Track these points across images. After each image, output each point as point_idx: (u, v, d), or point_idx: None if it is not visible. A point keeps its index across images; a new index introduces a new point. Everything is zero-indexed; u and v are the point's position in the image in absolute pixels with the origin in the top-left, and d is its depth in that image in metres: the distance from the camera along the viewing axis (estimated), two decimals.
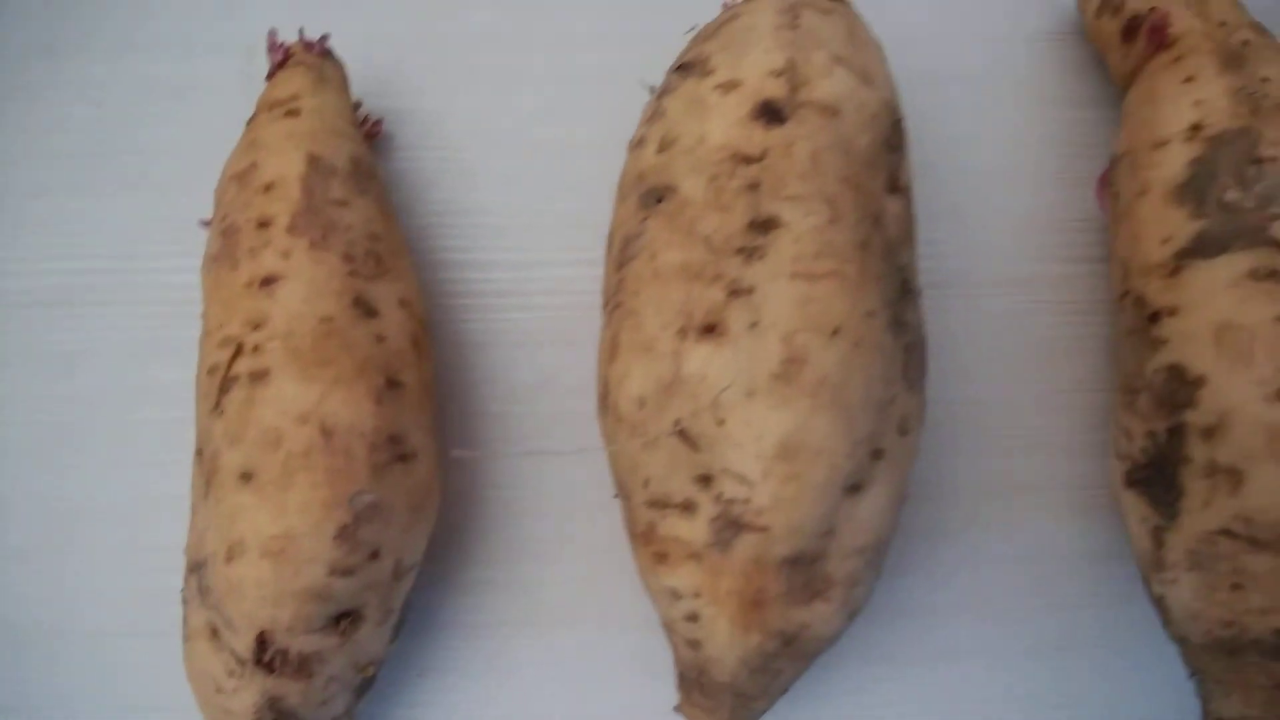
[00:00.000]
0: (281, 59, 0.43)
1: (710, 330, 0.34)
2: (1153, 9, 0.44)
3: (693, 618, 0.36)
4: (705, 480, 0.34)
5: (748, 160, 0.35)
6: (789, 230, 0.34)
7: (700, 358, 0.34)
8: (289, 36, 0.45)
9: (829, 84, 0.35)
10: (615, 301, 0.37)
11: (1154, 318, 0.39)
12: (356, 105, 0.46)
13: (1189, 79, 0.42)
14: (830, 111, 0.35)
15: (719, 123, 0.35)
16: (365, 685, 0.39)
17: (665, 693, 0.40)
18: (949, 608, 0.45)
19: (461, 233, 0.48)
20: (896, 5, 0.48)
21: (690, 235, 0.35)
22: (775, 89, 0.35)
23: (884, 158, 0.36)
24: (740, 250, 0.34)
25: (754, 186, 0.34)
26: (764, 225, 0.34)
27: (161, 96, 0.48)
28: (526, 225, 0.47)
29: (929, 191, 0.49)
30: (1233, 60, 0.41)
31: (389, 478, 0.36)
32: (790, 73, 0.35)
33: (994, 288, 0.48)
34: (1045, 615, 0.45)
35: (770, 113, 0.35)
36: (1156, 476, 0.39)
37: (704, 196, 0.35)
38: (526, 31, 0.50)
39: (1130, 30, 0.45)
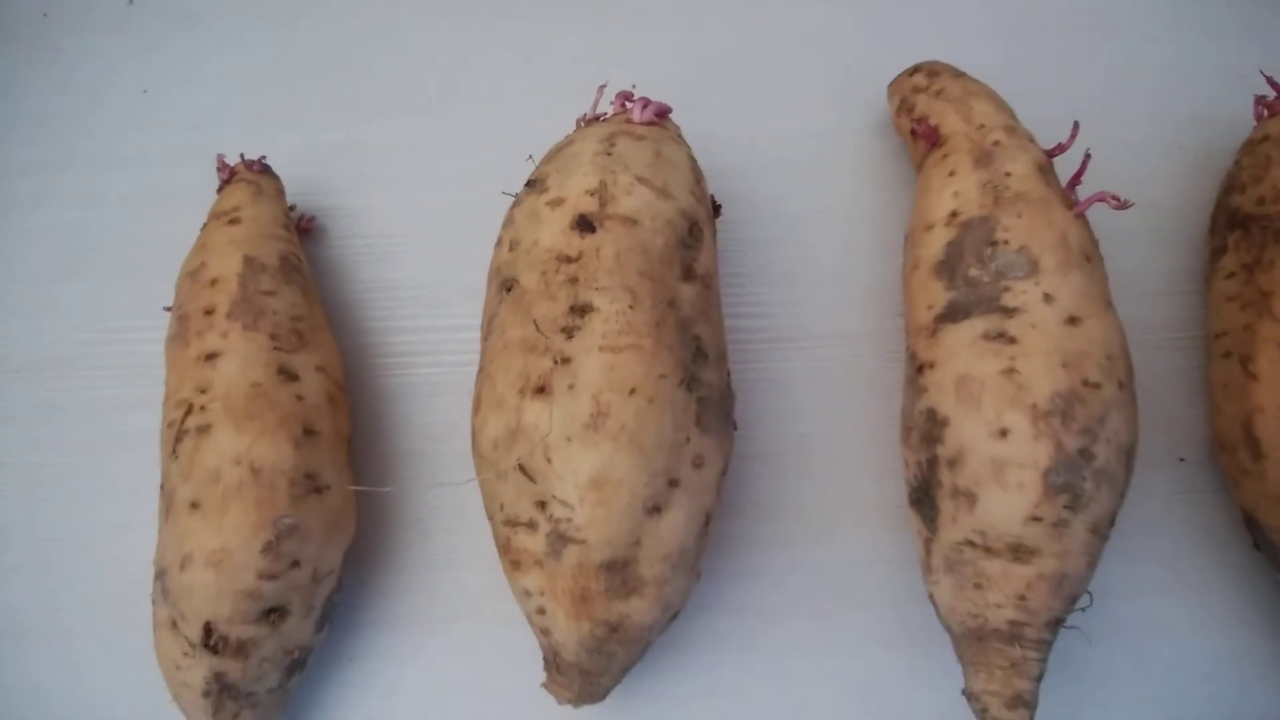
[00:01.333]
0: (228, 176, 0.55)
1: (541, 390, 0.44)
2: (926, 116, 0.55)
3: (541, 611, 0.46)
4: (541, 505, 0.44)
5: (568, 260, 0.45)
6: (599, 314, 0.44)
7: (534, 411, 0.44)
8: (247, 153, 0.56)
9: (630, 200, 0.45)
10: (480, 366, 0.48)
11: (920, 369, 0.49)
12: (291, 208, 0.57)
13: (951, 173, 0.52)
14: (631, 221, 0.45)
15: (548, 230, 0.46)
16: (294, 665, 0.49)
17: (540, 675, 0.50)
18: (782, 608, 0.54)
19: (382, 305, 0.59)
20: (751, 106, 0.58)
21: (528, 317, 0.45)
22: (589, 205, 0.46)
23: (679, 254, 0.46)
24: (563, 329, 0.44)
25: (573, 280, 0.45)
26: (581, 310, 0.44)
27: (137, 204, 0.60)
28: (434, 298, 0.58)
29: (773, 260, 0.59)
30: (984, 158, 0.51)
31: (305, 505, 0.47)
32: (601, 191, 0.46)
33: (824, 340, 0.58)
34: (861, 612, 0.54)
35: (584, 224, 0.45)
36: (924, 498, 0.48)
37: (537, 287, 0.46)
38: (434, 141, 0.61)
39: (915, 130, 0.56)
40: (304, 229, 0.58)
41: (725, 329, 0.53)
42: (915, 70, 0.56)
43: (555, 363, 0.44)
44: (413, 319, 0.58)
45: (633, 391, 0.43)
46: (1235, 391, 0.51)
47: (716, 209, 0.55)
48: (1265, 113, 0.55)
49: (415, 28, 0.62)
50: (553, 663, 0.47)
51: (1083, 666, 0.54)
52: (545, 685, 0.48)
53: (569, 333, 0.44)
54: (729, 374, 0.49)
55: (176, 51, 0.63)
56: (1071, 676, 0.53)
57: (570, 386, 0.43)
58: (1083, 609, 0.51)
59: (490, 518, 0.47)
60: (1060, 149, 0.51)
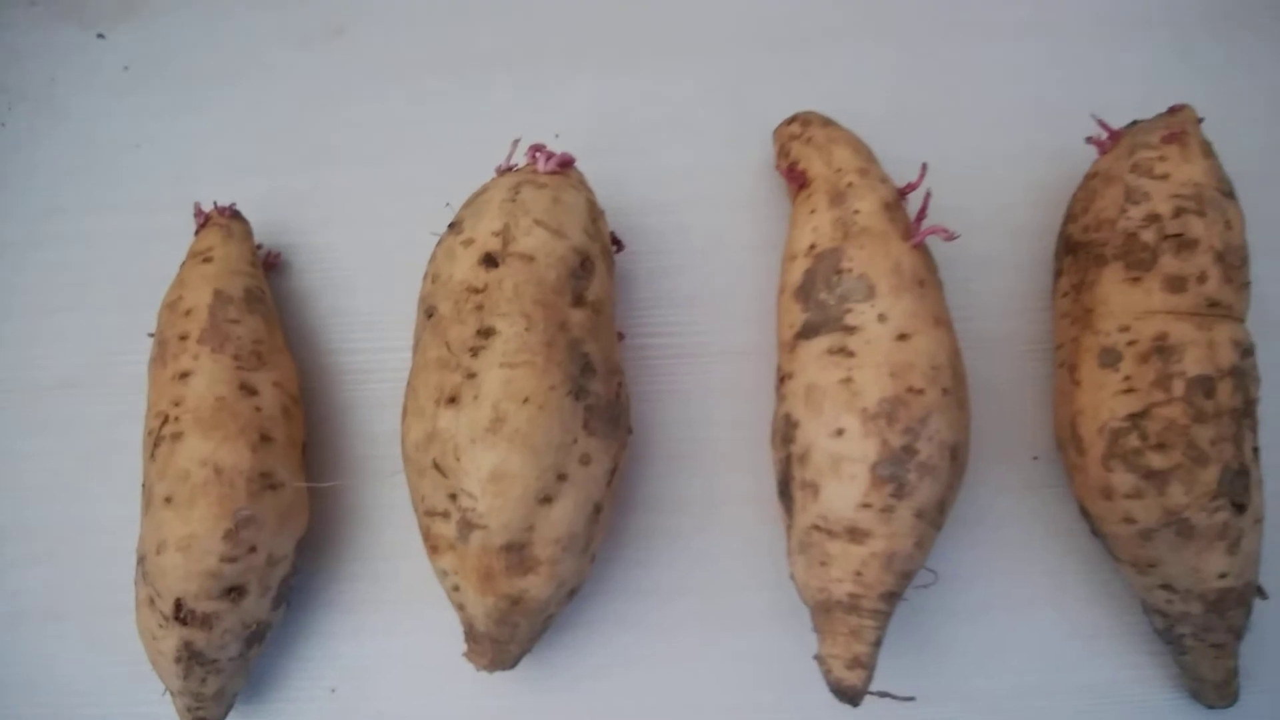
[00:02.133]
0: (203, 221, 0.64)
1: (452, 400, 0.53)
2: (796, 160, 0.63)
3: (456, 588, 0.55)
4: (453, 496, 0.53)
5: (476, 290, 0.54)
6: (500, 336, 0.53)
7: (446, 418, 0.53)
8: (223, 199, 0.66)
9: (529, 239, 0.54)
10: (408, 381, 0.57)
11: (782, 380, 0.57)
12: (258, 246, 0.66)
13: (812, 211, 0.60)
14: (528, 258, 0.54)
15: (461, 266, 0.55)
16: (253, 638, 0.58)
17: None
18: (676, 590, 0.62)
19: (339, 329, 0.68)
20: (662, 149, 0.67)
21: (443, 339, 0.54)
22: (494, 244, 0.54)
23: (570, 284, 0.55)
24: (471, 349, 0.53)
25: (480, 308, 0.54)
26: (486, 333, 0.53)
27: (127, 244, 0.70)
28: (381, 323, 0.67)
29: (677, 286, 0.67)
30: (838, 198, 0.59)
31: (261, 500, 0.56)
32: (504, 233, 0.55)
33: (718, 355, 0.66)
34: (744, 592, 0.62)
35: (489, 260, 0.54)
36: (784, 490, 0.57)
37: (451, 314, 0.54)
38: (382, 187, 0.70)
39: (789, 173, 0.64)
40: (271, 264, 0.67)
41: (622, 346, 0.62)
42: (792, 120, 0.65)
43: (464, 377, 0.52)
44: (364, 341, 0.66)
45: (526, 400, 0.51)
46: (1066, 396, 0.59)
47: (617, 244, 0.63)
48: (1100, 150, 0.63)
49: (367, 86, 0.71)
50: (470, 633, 0.56)
51: (951, 642, 0.61)
52: (465, 654, 0.56)
53: (475, 352, 0.52)
54: (620, 385, 0.57)
55: (165, 110, 0.72)
56: (940, 651, 0.61)
57: (475, 397, 0.52)
58: (926, 585, 0.59)
59: (415, 509, 0.56)
60: (910, 188, 0.59)
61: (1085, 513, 0.58)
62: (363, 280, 0.68)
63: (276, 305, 0.66)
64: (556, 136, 0.68)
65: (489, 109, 0.70)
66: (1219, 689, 0.58)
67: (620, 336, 0.64)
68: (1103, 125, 0.62)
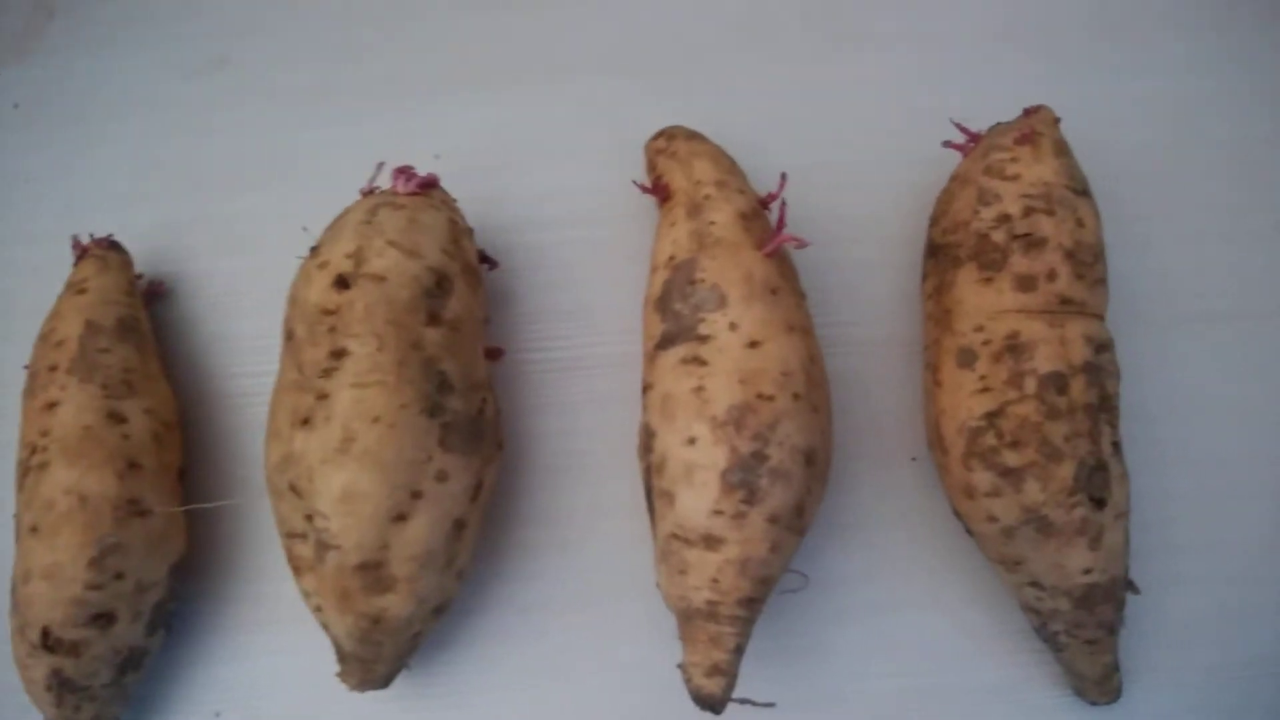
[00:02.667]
0: (81, 253, 0.65)
1: (305, 422, 0.53)
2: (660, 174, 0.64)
3: (318, 609, 0.55)
4: (309, 518, 0.53)
5: (329, 313, 0.55)
6: (352, 356, 0.53)
7: (300, 440, 0.53)
8: (113, 230, 0.66)
9: (380, 261, 0.55)
10: (270, 404, 0.57)
11: (644, 390, 0.58)
12: (139, 276, 0.67)
13: (673, 223, 0.61)
14: (379, 279, 0.55)
15: (315, 288, 0.55)
16: (128, 664, 0.58)
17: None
18: (560, 603, 0.63)
19: (223, 354, 0.68)
20: (541, 167, 0.69)
21: (297, 362, 0.55)
22: (346, 266, 0.55)
23: (424, 304, 0.55)
24: (324, 371, 0.54)
25: (333, 330, 0.54)
26: (338, 354, 0.54)
27: (17, 277, 0.70)
28: (265, 347, 0.67)
29: (556, 300, 0.68)
30: (694, 210, 0.60)
31: (128, 527, 0.56)
32: (357, 254, 0.55)
33: (598, 368, 0.66)
34: (627, 602, 0.62)
35: (342, 282, 0.55)
36: (649, 498, 0.57)
37: (306, 336, 0.55)
38: (267, 213, 0.70)
39: (654, 186, 0.65)
40: (155, 292, 0.68)
41: (502, 362, 0.63)
42: (659, 135, 0.66)
43: (316, 399, 0.53)
44: (246, 365, 0.67)
45: (376, 419, 0.52)
46: (931, 397, 0.59)
47: (489, 261, 0.64)
48: (963, 154, 0.64)
49: (251, 114, 0.72)
50: (339, 654, 0.56)
51: (833, 646, 0.62)
52: (338, 675, 0.56)
53: (328, 373, 0.53)
54: (486, 401, 0.57)
55: (55, 145, 0.73)
56: (822, 656, 0.61)
57: (326, 418, 0.52)
58: (795, 590, 0.59)
59: (278, 531, 0.56)
60: (771, 198, 0.60)
61: (956, 513, 0.59)
62: (245, 306, 0.68)
63: (159, 333, 0.66)
64: (437, 158, 0.69)
65: (371, 134, 0.71)
66: (1099, 685, 0.58)
67: (500, 352, 0.64)
68: (962, 129, 0.63)
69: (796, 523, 0.54)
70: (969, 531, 0.58)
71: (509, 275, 0.67)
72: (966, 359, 0.56)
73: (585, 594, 0.62)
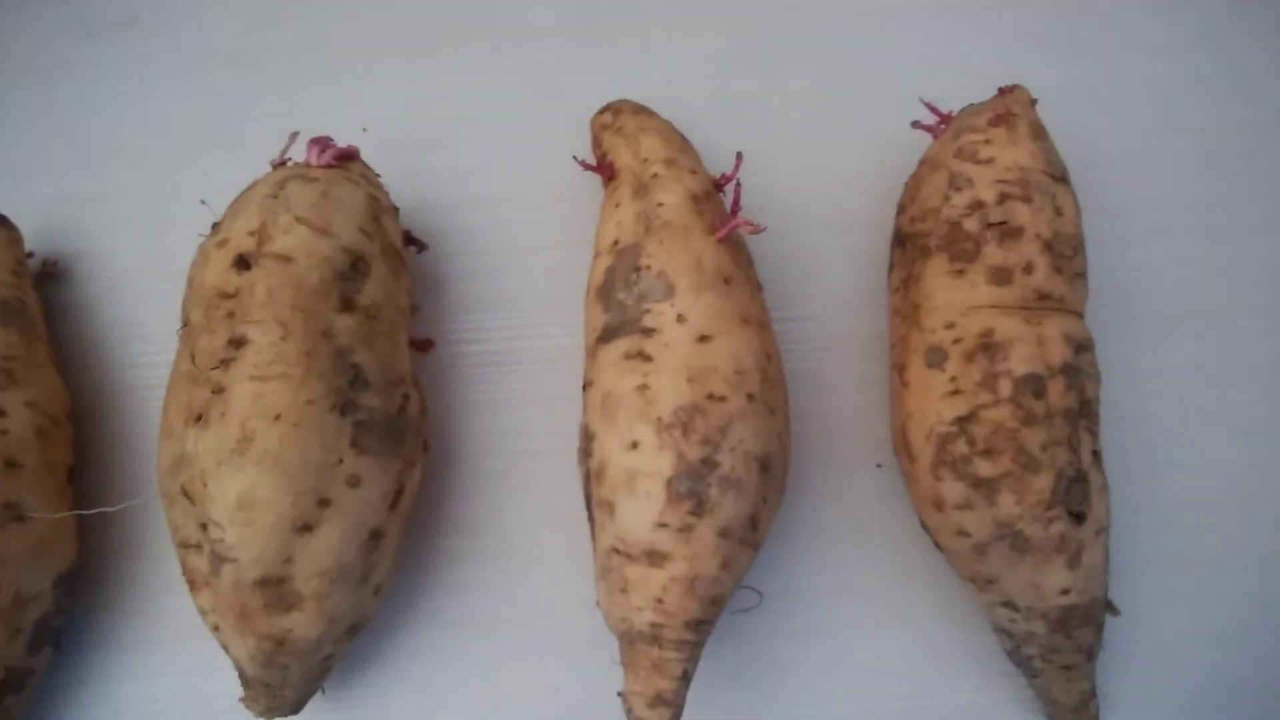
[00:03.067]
0: None
1: (199, 419, 0.47)
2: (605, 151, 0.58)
3: (216, 628, 0.49)
4: (203, 527, 0.47)
5: (227, 296, 0.49)
6: (253, 345, 0.47)
7: (193, 439, 0.47)
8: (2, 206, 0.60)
9: (286, 239, 0.49)
10: (164, 398, 0.51)
11: (584, 388, 0.53)
12: (30, 254, 0.60)
13: (617, 204, 0.55)
14: (285, 259, 0.49)
15: (212, 269, 0.49)
16: (7, 685, 0.51)
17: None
18: (493, 618, 0.57)
19: (122, 342, 0.62)
20: (474, 144, 0.64)
21: (193, 350, 0.49)
22: (248, 244, 0.49)
23: (336, 287, 0.49)
24: (221, 361, 0.48)
25: (231, 315, 0.48)
26: (237, 342, 0.48)
27: None
28: (167, 335, 0.60)
29: (490, 288, 0.63)
30: (642, 190, 0.54)
31: (4, 533, 0.50)
32: (260, 231, 0.49)
33: (536, 362, 0.61)
34: (563, 618, 0.57)
35: (242, 261, 0.49)
36: (589, 507, 0.52)
37: (201, 323, 0.49)
38: (172, 188, 0.64)
39: (598, 164, 0.59)
40: (49, 273, 0.61)
41: (431, 355, 0.57)
42: (605, 109, 0.60)
43: (212, 393, 0.47)
44: (147, 355, 0.61)
45: (278, 417, 0.46)
46: (897, 400, 0.54)
47: (416, 243, 0.58)
48: (934, 136, 0.59)
49: (160, 81, 0.66)
50: (241, 677, 0.50)
51: (789, 664, 0.57)
52: (241, 700, 0.51)
53: (225, 364, 0.47)
54: (408, 398, 0.52)
55: None
56: (780, 675, 0.56)
57: (222, 414, 0.46)
58: (749, 608, 0.54)
59: (172, 541, 0.50)
60: (726, 179, 0.55)
61: (924, 525, 0.54)
62: (147, 289, 0.62)
63: (52, 318, 0.60)
64: (364, 131, 0.63)
65: (292, 105, 0.65)
66: (1075, 713, 0.54)
67: (429, 344, 0.59)
68: (931, 109, 0.58)
69: (750, 536, 0.49)
70: (938, 545, 0.54)
71: (440, 259, 0.62)
72: (936, 358, 0.51)
73: (519, 610, 0.57)
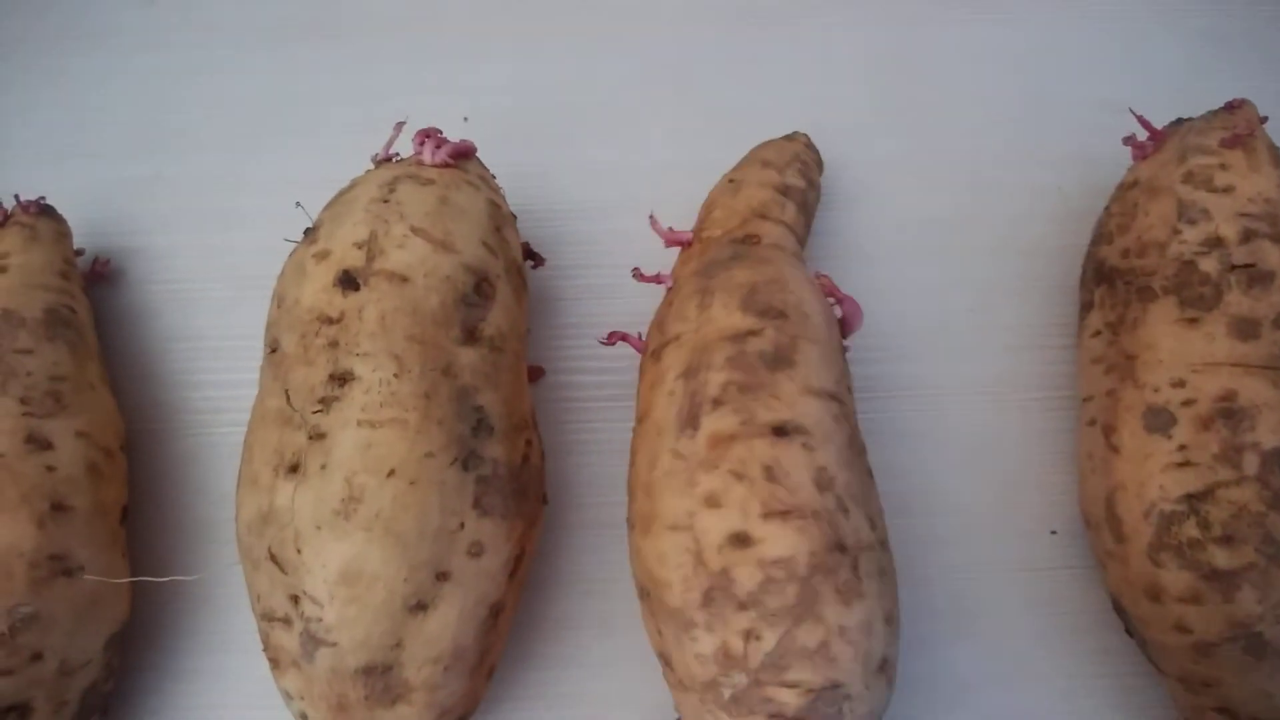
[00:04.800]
0: (2, 219, 0.49)
1: (294, 470, 0.39)
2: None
3: (304, 716, 0.41)
4: (294, 599, 0.39)
5: (330, 321, 0.40)
6: (360, 383, 0.39)
7: (285, 493, 0.39)
8: (41, 190, 0.51)
9: (401, 254, 0.41)
10: (245, 436, 0.43)
11: None
12: (79, 252, 0.52)
13: None
14: (400, 278, 0.40)
15: (311, 287, 0.41)
16: None
17: None
18: (603, 697, 0.49)
19: (183, 356, 0.54)
20: (592, 144, 0.57)
21: (284, 385, 0.40)
22: (355, 259, 0.41)
23: (460, 314, 0.41)
24: (320, 400, 0.40)
25: (334, 344, 0.40)
26: (341, 378, 0.40)
27: None
28: (238, 350, 0.53)
29: (613, 308, 0.56)
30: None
31: (50, 591, 0.42)
32: (370, 244, 0.41)
33: None
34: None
35: (348, 280, 0.40)
36: None
37: (296, 351, 0.41)
38: (246, 176, 0.56)
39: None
40: (98, 273, 0.53)
41: (537, 388, 0.49)
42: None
43: (309, 438, 0.39)
44: (215, 373, 0.53)
45: (392, 473, 0.38)
46: (1099, 464, 0.46)
47: (534, 258, 0.50)
48: (1139, 156, 0.50)
49: (226, 51, 0.58)
50: None
51: None
52: None
53: (326, 404, 0.39)
54: (531, 444, 0.44)
55: None
56: None
57: (323, 466, 0.38)
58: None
59: (253, 609, 0.42)
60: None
61: (1121, 610, 0.46)
62: (214, 295, 0.54)
63: (102, 329, 0.52)
64: (465, 121, 0.55)
65: (378, 84, 0.57)
66: None
67: (538, 373, 0.50)
68: (1144, 123, 0.50)
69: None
70: (1131, 633, 0.46)
71: (547, 276, 0.54)
72: (1159, 421, 0.43)
73: (637, 687, 0.48)
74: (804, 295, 0.43)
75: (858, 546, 0.38)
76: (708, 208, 0.51)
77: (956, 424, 0.53)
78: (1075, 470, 0.52)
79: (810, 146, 0.54)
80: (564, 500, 0.51)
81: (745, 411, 0.39)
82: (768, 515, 0.37)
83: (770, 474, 0.38)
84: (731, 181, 0.51)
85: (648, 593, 0.40)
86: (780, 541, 0.37)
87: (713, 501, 0.38)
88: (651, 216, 0.49)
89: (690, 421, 0.40)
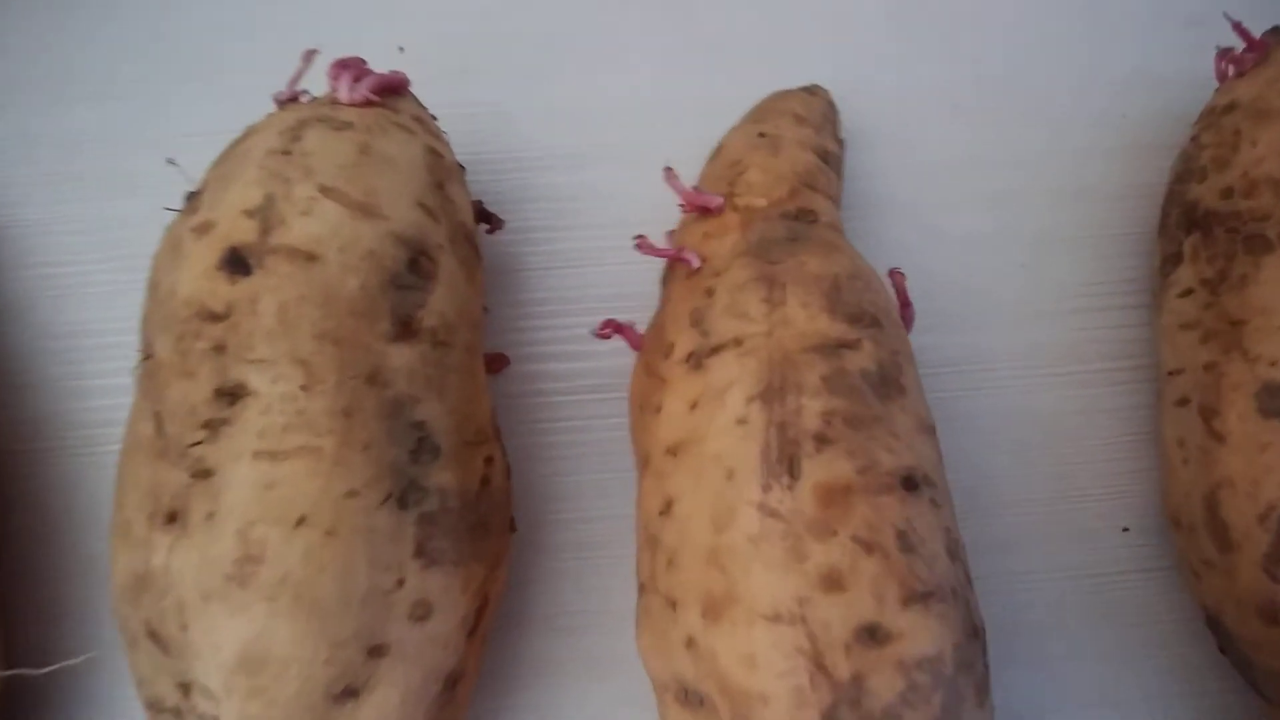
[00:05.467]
0: None
1: (172, 519, 0.30)
2: None
3: None
4: (185, 689, 0.30)
5: (215, 318, 0.30)
6: (257, 400, 0.30)
7: (164, 550, 0.29)
8: None
9: (307, 224, 0.31)
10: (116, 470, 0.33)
11: None
12: None
13: None
14: (306, 256, 0.30)
15: (189, 272, 0.31)
16: None
17: None
18: None
19: (63, 357, 0.44)
20: (560, 77, 0.47)
21: (159, 404, 0.30)
22: (246, 232, 0.30)
23: (387, 301, 0.31)
24: (205, 424, 0.30)
25: (220, 349, 0.30)
26: (231, 394, 0.30)
27: None
28: (132, 347, 0.42)
29: (596, 279, 0.46)
30: None
31: None
32: (266, 211, 0.31)
33: None
34: None
35: (236, 261, 0.30)
36: None
37: (172, 359, 0.31)
38: (130, 130, 0.45)
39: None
40: None
41: (498, 381, 0.39)
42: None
43: (192, 476, 0.29)
44: (102, 376, 0.43)
45: (302, 521, 0.28)
46: (1195, 453, 0.38)
47: (488, 219, 0.40)
48: (1232, 71, 0.41)
49: None
50: None
51: None
52: None
53: (213, 430, 0.29)
54: (493, 462, 0.34)
55: None
56: None
57: (210, 515, 0.29)
58: None
59: (137, 693, 0.32)
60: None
61: (1219, 626, 0.38)
62: (99, 280, 0.44)
63: None
64: (401, 51, 0.44)
65: (295, 11, 0.46)
66: None
67: (500, 362, 0.41)
68: (1240, 31, 0.40)
69: None
70: (1224, 650, 0.39)
71: (506, 243, 0.44)
72: (1279, 403, 0.34)
73: None
74: (889, 297, 0.34)
75: (983, 625, 0.29)
76: (732, 165, 0.39)
77: (1009, 404, 0.44)
78: (1153, 457, 0.43)
79: (833, 105, 0.44)
80: (536, 518, 0.42)
81: (863, 455, 0.29)
82: (907, 600, 0.28)
83: (906, 542, 0.28)
84: (764, 136, 0.41)
85: (705, 701, 0.29)
86: (924, 635, 0.28)
87: (834, 582, 0.28)
88: (669, 170, 0.38)
89: (786, 466, 0.29)
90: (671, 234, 0.40)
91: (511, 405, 0.43)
